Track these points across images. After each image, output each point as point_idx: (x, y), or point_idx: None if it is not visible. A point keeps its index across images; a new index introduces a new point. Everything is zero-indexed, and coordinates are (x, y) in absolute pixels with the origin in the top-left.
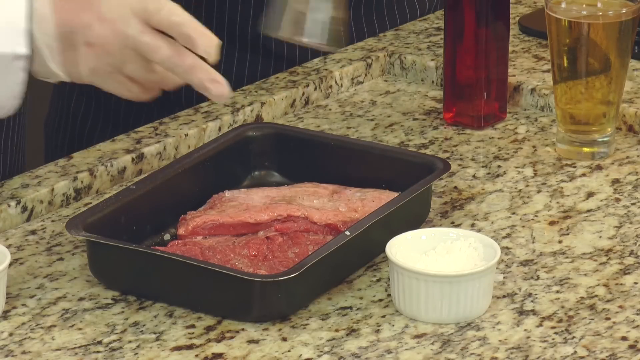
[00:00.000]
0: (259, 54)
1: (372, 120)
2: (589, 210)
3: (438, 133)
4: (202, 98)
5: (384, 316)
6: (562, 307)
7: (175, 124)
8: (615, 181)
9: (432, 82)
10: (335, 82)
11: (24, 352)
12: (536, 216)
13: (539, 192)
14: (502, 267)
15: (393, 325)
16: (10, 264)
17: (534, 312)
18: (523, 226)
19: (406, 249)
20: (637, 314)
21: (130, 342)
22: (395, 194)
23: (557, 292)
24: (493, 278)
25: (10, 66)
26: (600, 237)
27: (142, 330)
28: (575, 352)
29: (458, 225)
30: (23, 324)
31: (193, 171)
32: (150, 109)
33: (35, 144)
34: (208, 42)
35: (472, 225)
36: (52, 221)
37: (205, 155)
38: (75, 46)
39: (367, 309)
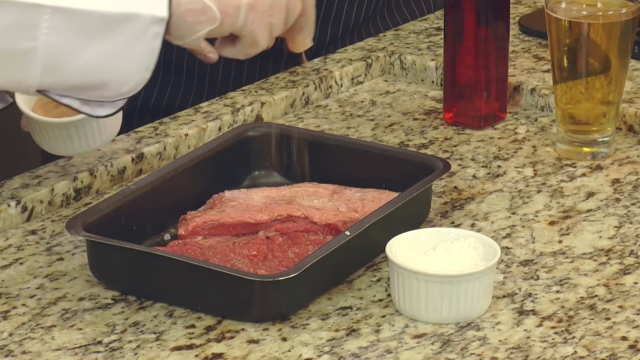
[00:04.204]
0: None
1: (372, 120)
2: (589, 210)
3: (438, 133)
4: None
5: (384, 316)
6: (562, 307)
7: (175, 124)
8: (615, 181)
9: (432, 82)
10: (335, 82)
11: (24, 352)
12: (536, 216)
13: (539, 192)
14: (502, 267)
15: (393, 325)
16: (11, 264)
17: (534, 312)
18: (523, 226)
19: (406, 249)
20: (637, 314)
21: (130, 342)
22: (395, 194)
23: (557, 292)
24: (493, 278)
25: (146, 31)
26: (600, 237)
27: (142, 330)
28: (575, 352)
29: (458, 225)
30: (23, 324)
31: (193, 171)
32: (155, 111)
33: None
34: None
35: (472, 225)
36: (52, 221)
37: (205, 155)
38: None
39: (367, 309)
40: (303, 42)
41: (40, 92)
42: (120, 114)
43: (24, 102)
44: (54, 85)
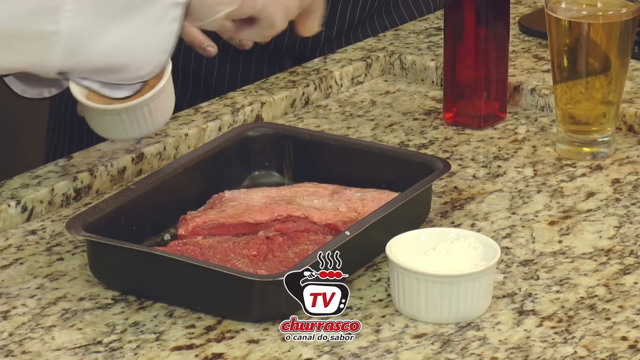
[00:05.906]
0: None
1: (372, 120)
2: (589, 210)
3: (438, 133)
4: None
5: (384, 316)
6: (562, 307)
7: (175, 124)
8: (615, 181)
9: (432, 82)
10: (335, 82)
11: (24, 352)
12: (536, 216)
13: (539, 192)
14: (502, 267)
15: (393, 325)
16: (11, 264)
17: (534, 312)
18: (523, 226)
19: (406, 249)
20: (637, 314)
21: (130, 342)
22: (395, 194)
23: (557, 292)
24: (493, 278)
25: (165, 14)
26: (600, 237)
27: (142, 330)
28: (575, 352)
29: (458, 225)
30: (23, 324)
31: (193, 171)
32: None
33: (35, 144)
34: None
35: (472, 225)
36: (52, 221)
37: (205, 155)
38: None
39: (367, 309)
40: (311, 25)
41: (61, 74)
42: (173, 98)
43: (77, 89)
44: (75, 68)
